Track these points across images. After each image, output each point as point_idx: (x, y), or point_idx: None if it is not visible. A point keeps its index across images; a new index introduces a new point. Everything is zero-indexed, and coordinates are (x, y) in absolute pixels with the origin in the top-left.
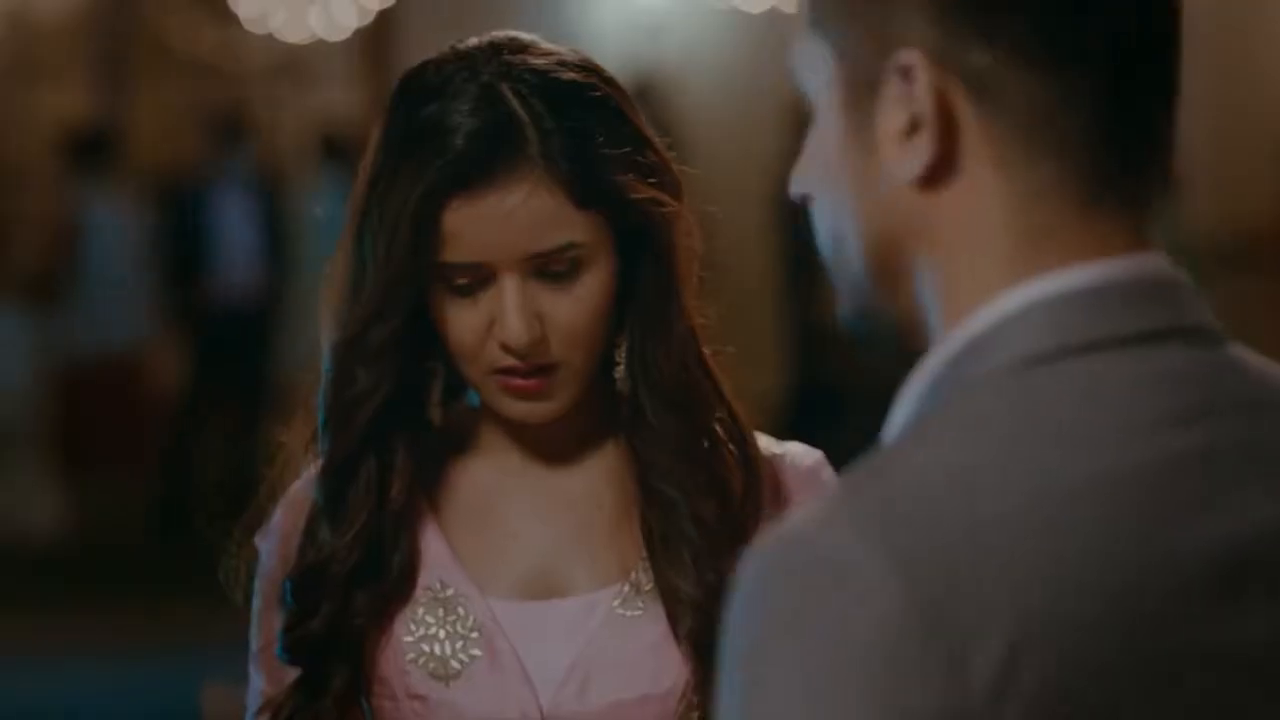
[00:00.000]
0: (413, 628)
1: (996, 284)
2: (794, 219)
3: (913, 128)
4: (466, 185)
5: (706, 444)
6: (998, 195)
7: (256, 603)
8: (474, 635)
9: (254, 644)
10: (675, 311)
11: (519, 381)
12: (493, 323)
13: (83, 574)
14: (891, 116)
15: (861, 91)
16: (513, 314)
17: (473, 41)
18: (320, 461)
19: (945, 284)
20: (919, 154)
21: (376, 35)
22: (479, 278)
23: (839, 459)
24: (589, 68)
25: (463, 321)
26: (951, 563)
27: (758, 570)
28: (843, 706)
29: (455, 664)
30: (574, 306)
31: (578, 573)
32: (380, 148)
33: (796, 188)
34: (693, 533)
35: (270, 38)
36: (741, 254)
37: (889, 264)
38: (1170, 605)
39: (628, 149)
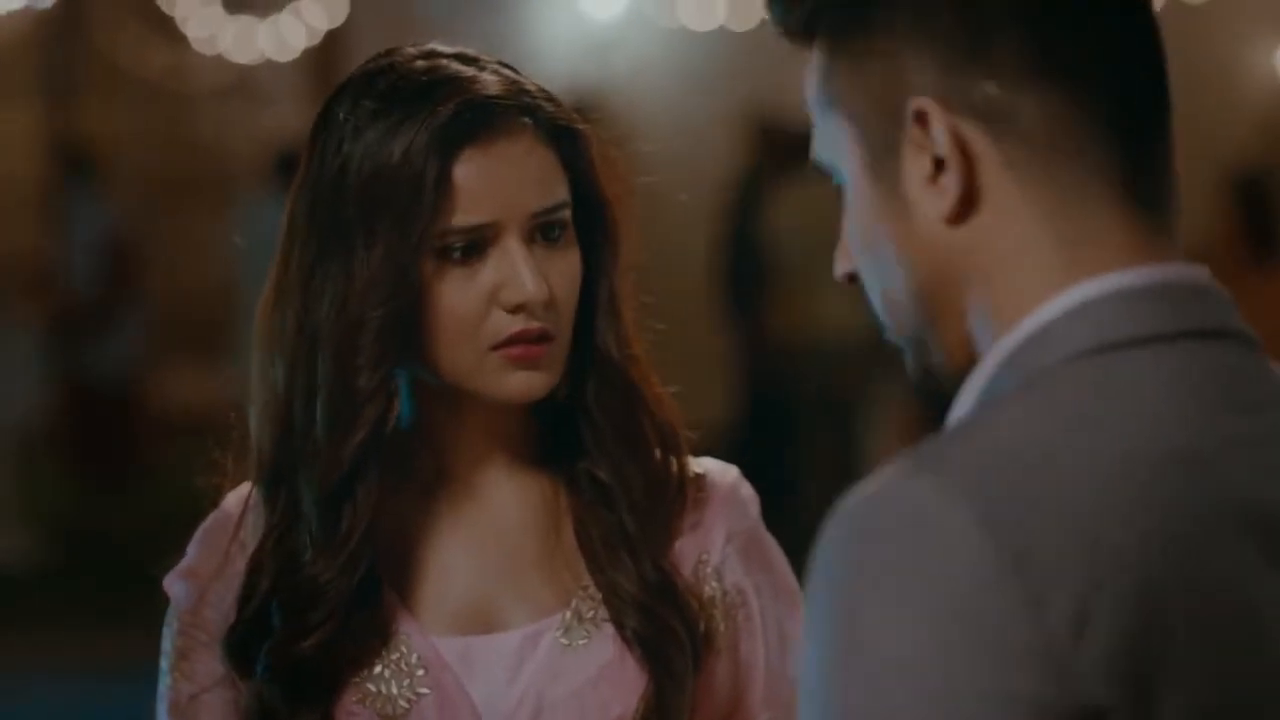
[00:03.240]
0: (355, 667)
1: (1045, 290)
2: (741, 236)
3: (937, 169)
4: (481, 134)
5: (639, 429)
6: (1027, 212)
7: (172, 644)
8: (420, 673)
9: (174, 691)
10: (624, 295)
11: (524, 349)
12: (496, 290)
13: (50, 591)
14: (915, 164)
15: (882, 153)
16: (525, 271)
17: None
18: (314, 477)
19: (995, 300)
20: (946, 192)
21: (325, 55)
22: (480, 243)
23: (787, 478)
24: None
25: (464, 293)
26: (1028, 517)
27: (846, 527)
28: (937, 647)
29: (403, 702)
30: (565, 273)
31: (516, 605)
32: (354, 115)
33: (840, 269)
34: (629, 523)
35: (220, 58)
36: (689, 272)
37: (940, 298)
38: (1226, 568)
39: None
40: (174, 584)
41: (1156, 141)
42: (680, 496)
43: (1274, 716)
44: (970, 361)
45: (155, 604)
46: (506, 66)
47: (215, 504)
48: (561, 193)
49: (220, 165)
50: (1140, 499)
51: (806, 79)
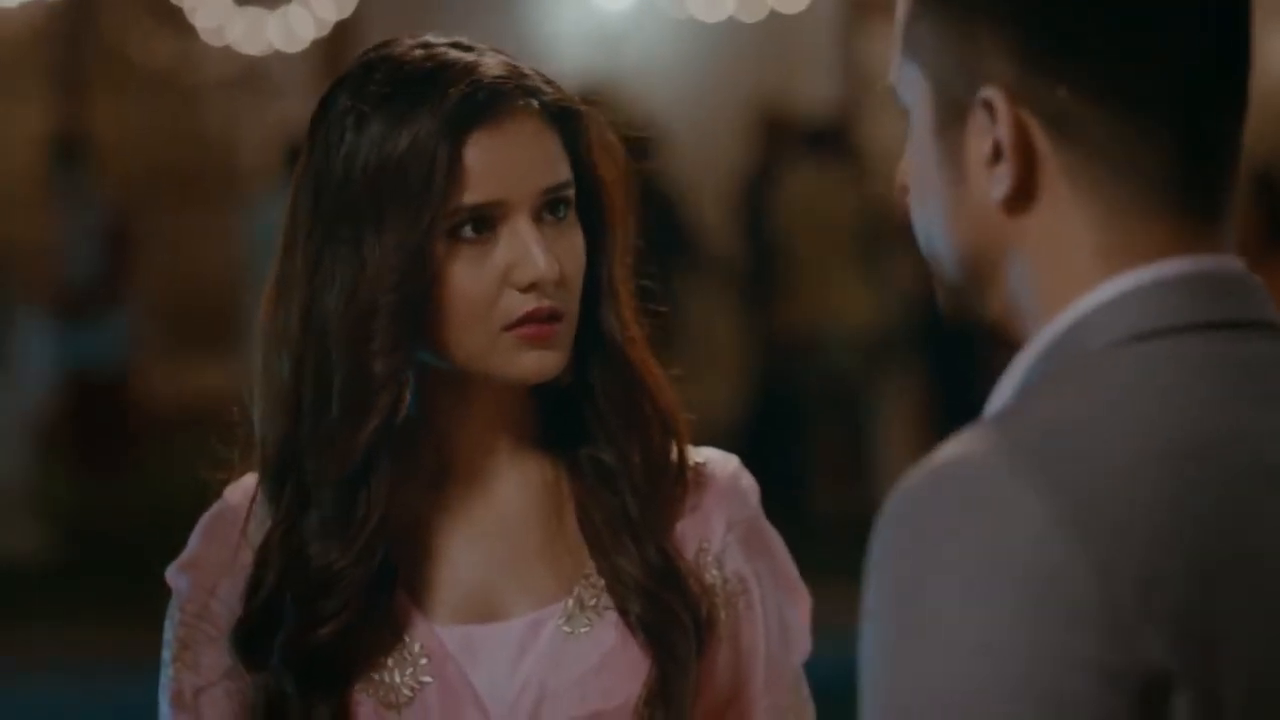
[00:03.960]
0: (369, 656)
1: (1090, 280)
2: (750, 228)
3: (996, 156)
4: (490, 115)
5: (641, 412)
6: (1078, 215)
7: (175, 635)
8: (423, 662)
9: (177, 683)
10: (622, 278)
11: (536, 328)
12: (508, 270)
13: (55, 586)
14: (977, 144)
15: (951, 117)
16: (537, 249)
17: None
18: (324, 463)
19: (1039, 284)
20: (1001, 181)
21: (334, 47)
22: (490, 221)
23: (795, 471)
24: None
25: (476, 274)
26: (1088, 485)
27: (906, 505)
28: (1005, 617)
29: (406, 691)
30: (572, 251)
31: (517, 593)
32: (357, 105)
33: (900, 180)
34: (632, 507)
35: (228, 49)
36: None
37: (981, 269)
38: (1271, 543)
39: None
40: (176, 576)
41: (1222, 156)
42: (680, 482)
43: None
44: (1012, 320)
45: (161, 599)
46: (501, 53)
47: (220, 496)
48: (565, 172)
49: (228, 157)
50: (1186, 476)
51: (897, 10)
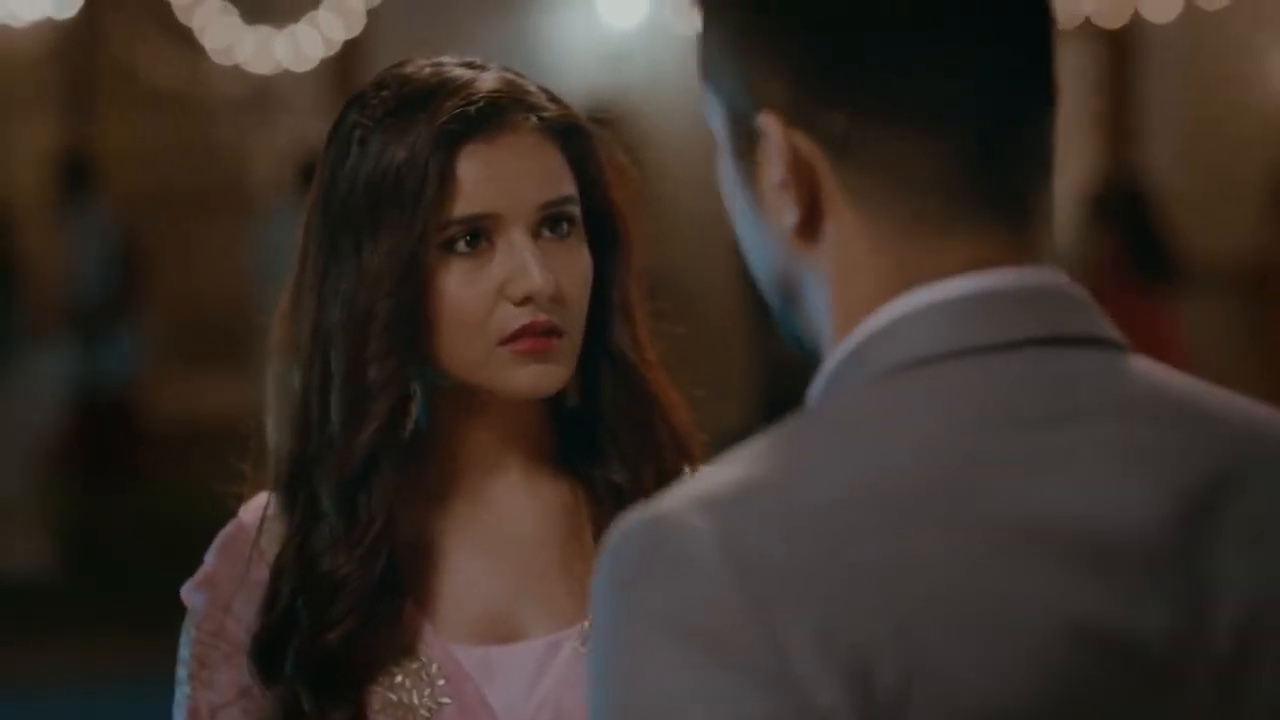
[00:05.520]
0: (377, 669)
1: (876, 305)
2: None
3: (784, 183)
4: (484, 129)
5: (654, 433)
6: (865, 239)
7: (191, 653)
8: (440, 682)
9: (194, 700)
10: (636, 299)
11: (532, 341)
12: (503, 284)
13: (63, 601)
14: (766, 171)
15: (745, 142)
16: (532, 262)
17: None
18: (330, 469)
19: (829, 307)
20: (791, 208)
21: (343, 66)
22: (485, 234)
23: None
24: None
25: (469, 288)
26: (774, 550)
27: (615, 548)
28: (676, 671)
29: (424, 711)
30: (573, 268)
31: (534, 615)
32: (362, 121)
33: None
34: None
35: (237, 69)
36: (705, 281)
37: (785, 289)
38: (994, 585)
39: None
40: (192, 594)
41: (1026, 164)
42: None
43: None
44: (818, 348)
45: (172, 615)
46: (510, 70)
47: (235, 513)
48: (568, 188)
49: (238, 176)
50: (899, 519)
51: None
